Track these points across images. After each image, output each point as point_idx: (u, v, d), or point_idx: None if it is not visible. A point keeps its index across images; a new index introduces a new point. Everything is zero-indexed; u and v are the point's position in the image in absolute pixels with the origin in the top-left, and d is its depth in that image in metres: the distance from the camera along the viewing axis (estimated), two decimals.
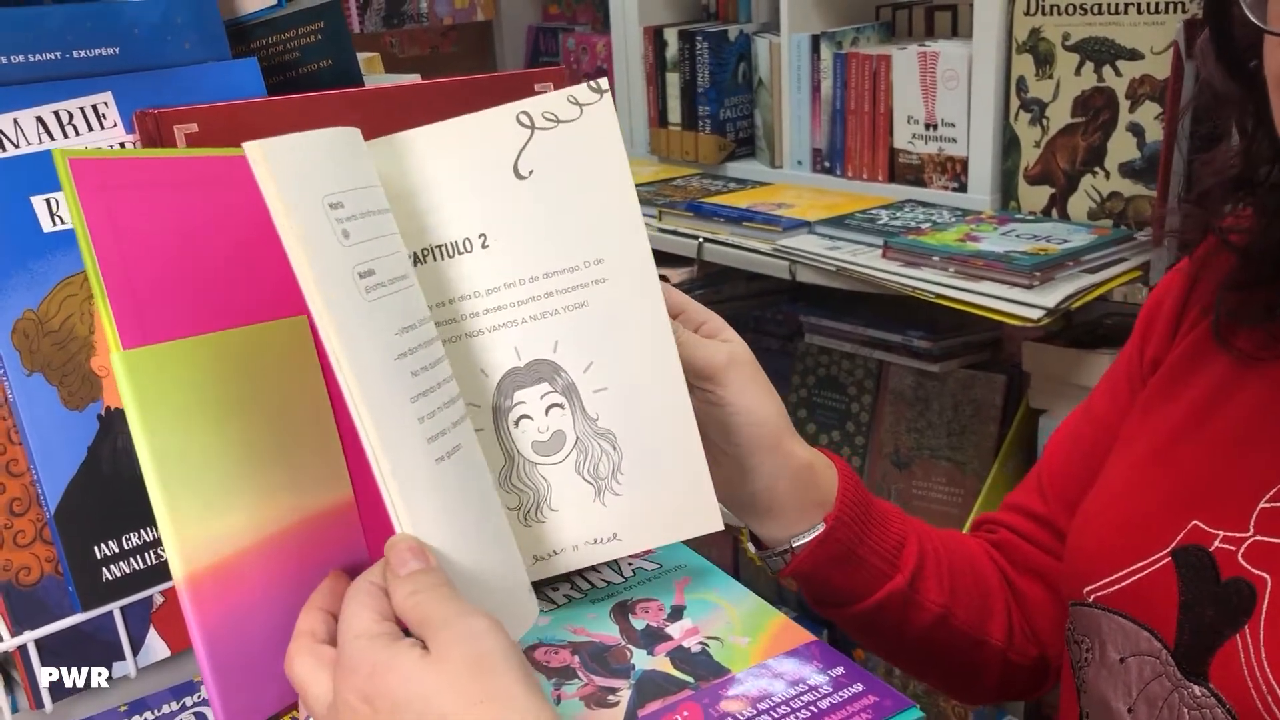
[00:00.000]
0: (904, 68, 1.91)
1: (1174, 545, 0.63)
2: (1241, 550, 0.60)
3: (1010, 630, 0.77)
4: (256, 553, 0.48)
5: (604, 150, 0.60)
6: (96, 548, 0.63)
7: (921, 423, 1.84)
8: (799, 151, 2.11)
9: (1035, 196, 1.79)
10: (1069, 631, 0.70)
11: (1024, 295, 1.47)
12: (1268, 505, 0.59)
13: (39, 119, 0.62)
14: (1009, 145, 1.81)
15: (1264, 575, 0.58)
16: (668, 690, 0.54)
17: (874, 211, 1.83)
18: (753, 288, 2.03)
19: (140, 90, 0.66)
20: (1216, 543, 0.61)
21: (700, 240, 1.87)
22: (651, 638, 0.59)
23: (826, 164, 2.06)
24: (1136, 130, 1.66)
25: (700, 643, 0.58)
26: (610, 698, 0.54)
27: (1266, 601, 0.57)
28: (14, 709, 0.63)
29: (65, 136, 0.63)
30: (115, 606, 0.64)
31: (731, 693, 0.54)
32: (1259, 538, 0.59)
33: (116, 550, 0.63)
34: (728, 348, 0.66)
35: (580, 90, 0.60)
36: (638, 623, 0.61)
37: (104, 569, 0.63)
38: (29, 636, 0.62)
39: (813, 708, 0.52)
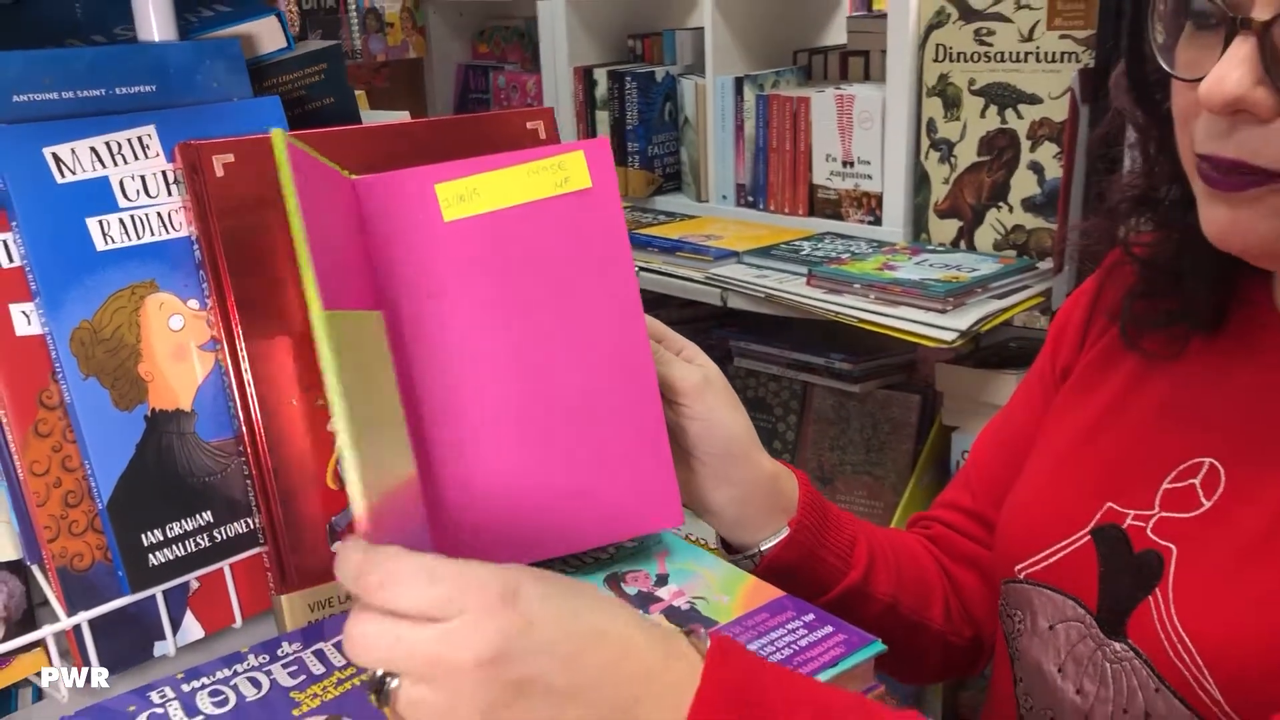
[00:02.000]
0: (822, 109, 2.03)
1: (1092, 525, 0.73)
2: (1150, 525, 0.70)
3: (949, 614, 0.87)
4: (380, 508, 0.50)
5: None
6: (144, 536, 0.69)
7: (843, 440, 1.96)
8: (724, 186, 2.23)
9: (945, 229, 1.92)
10: (1002, 607, 0.80)
11: (938, 319, 1.60)
12: (1170, 486, 0.70)
13: (92, 149, 0.69)
14: (920, 182, 1.94)
15: (1170, 546, 0.68)
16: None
17: (796, 243, 1.95)
18: (684, 314, 2.13)
19: (178, 124, 0.73)
20: (1128, 521, 0.71)
21: (635, 269, 1.96)
22: (645, 600, 0.68)
23: (750, 198, 2.18)
24: (1037, 168, 1.80)
25: (688, 602, 0.67)
26: None
27: (1173, 568, 0.67)
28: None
29: (115, 165, 0.70)
30: (160, 589, 0.70)
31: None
32: (1164, 514, 0.70)
33: (161, 538, 0.70)
34: (702, 370, 0.75)
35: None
36: (629, 589, 0.69)
37: (150, 555, 0.69)
38: (82, 617, 0.68)
39: (794, 645, 0.61)
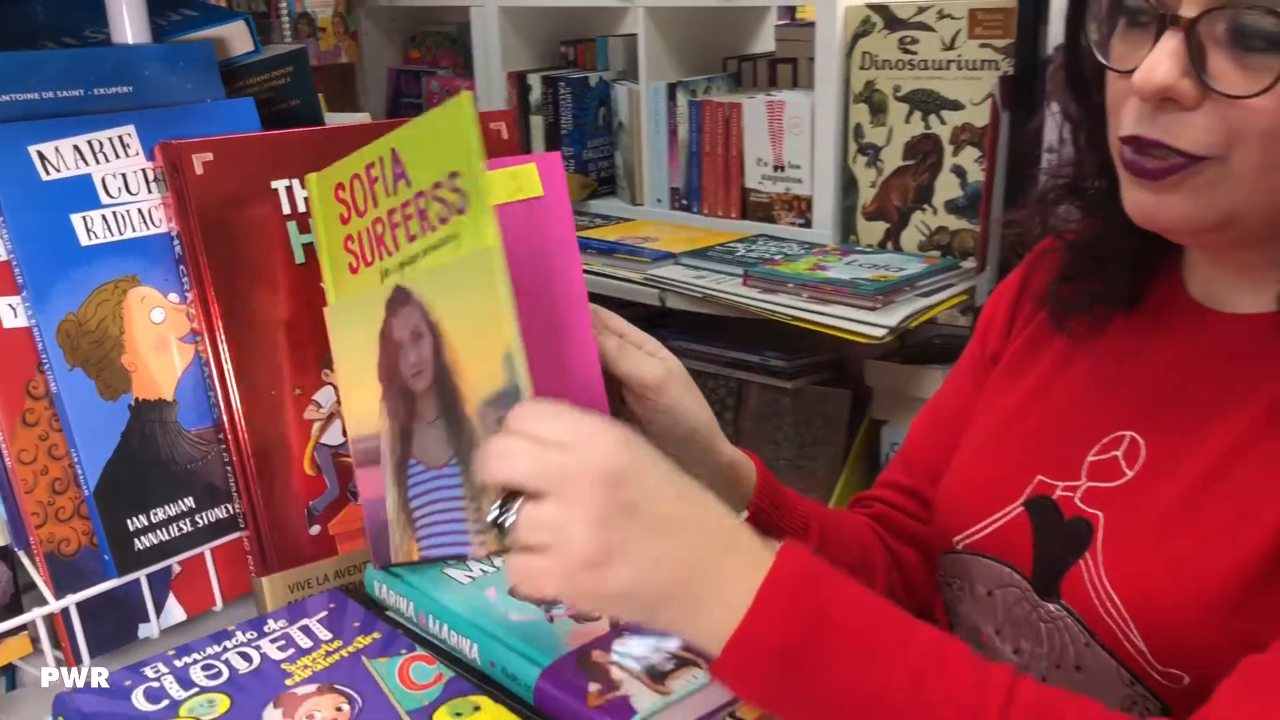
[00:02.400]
0: (753, 115, 2.09)
1: (1024, 497, 0.78)
2: (1078, 495, 0.75)
3: (890, 587, 0.92)
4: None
5: None
6: (129, 521, 0.71)
7: (778, 436, 2.02)
8: (658, 190, 2.28)
9: (872, 231, 2.00)
10: (941, 577, 0.85)
11: (869, 316, 1.66)
12: (1095, 458, 0.76)
13: (75, 147, 0.71)
14: (848, 185, 2.01)
15: (1097, 513, 0.73)
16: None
17: (731, 244, 2.00)
18: (623, 314, 2.17)
19: (156, 124, 0.75)
20: (1058, 491, 0.76)
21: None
22: None
23: (684, 202, 2.23)
24: (959, 172, 1.88)
25: None
26: (594, 614, 0.67)
27: (1101, 533, 0.72)
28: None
29: (97, 163, 0.72)
30: (145, 573, 0.72)
31: None
32: (1090, 484, 0.75)
33: (146, 523, 0.72)
34: (665, 364, 0.78)
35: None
36: None
37: (135, 540, 0.72)
38: (70, 600, 0.70)
39: None
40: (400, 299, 0.68)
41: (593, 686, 0.60)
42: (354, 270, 0.72)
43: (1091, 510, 0.73)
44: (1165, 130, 0.65)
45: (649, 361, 0.78)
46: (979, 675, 0.58)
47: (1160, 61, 0.63)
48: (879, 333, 1.63)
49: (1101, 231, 0.79)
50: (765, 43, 2.46)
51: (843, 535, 0.88)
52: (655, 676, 0.61)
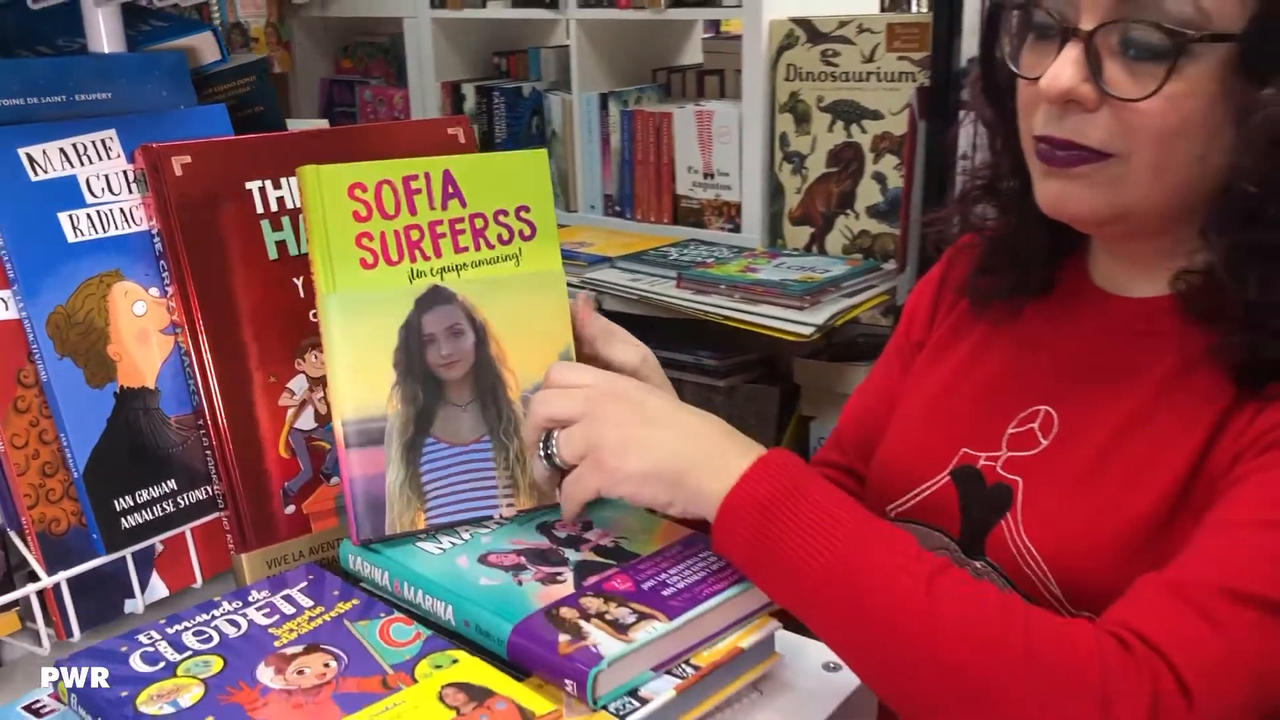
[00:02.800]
0: (683, 124, 2.17)
1: (951, 467, 0.86)
2: (999, 464, 0.83)
3: None
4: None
5: None
6: (116, 502, 0.76)
7: None
8: (592, 197, 2.34)
9: (798, 235, 2.08)
10: None
11: (798, 315, 1.75)
12: (1013, 430, 0.84)
13: (61, 150, 0.76)
14: (775, 192, 2.10)
15: (1017, 478, 0.81)
16: (600, 569, 0.73)
17: (664, 249, 2.08)
18: None
19: (136, 128, 0.80)
20: (981, 461, 0.84)
21: None
22: (574, 542, 0.78)
23: (617, 208, 2.30)
24: (880, 179, 1.98)
25: (613, 540, 0.77)
26: (558, 578, 0.72)
27: (1020, 496, 0.81)
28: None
29: (82, 165, 0.76)
30: (131, 551, 0.77)
31: (646, 566, 0.73)
32: (1010, 454, 0.83)
33: (132, 504, 0.76)
34: (639, 350, 0.86)
35: None
36: (559, 533, 0.79)
37: (122, 519, 0.76)
38: (61, 576, 0.74)
39: (707, 569, 0.72)
40: (438, 299, 0.77)
41: (562, 638, 0.66)
42: (368, 266, 0.75)
43: (1011, 476, 0.81)
44: (1073, 130, 0.74)
45: (627, 349, 0.85)
46: (919, 551, 0.67)
47: (1064, 68, 0.72)
48: (807, 331, 1.72)
49: (1015, 227, 0.88)
50: (693, 55, 2.55)
51: None
52: (618, 628, 0.67)
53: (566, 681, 0.64)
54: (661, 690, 0.66)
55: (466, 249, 0.78)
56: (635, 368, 0.84)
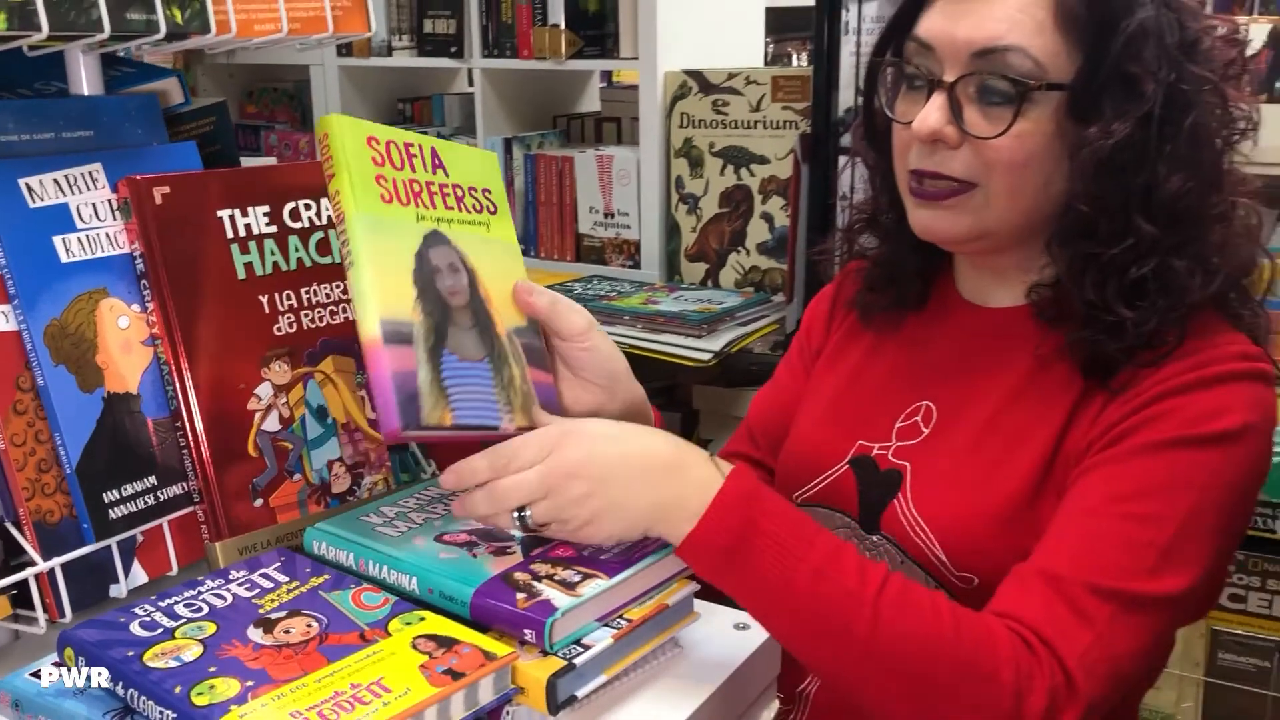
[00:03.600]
0: (585, 167, 2.31)
1: (849, 457, 1.00)
2: (890, 452, 0.98)
3: None
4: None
5: None
6: (105, 494, 0.84)
7: None
8: None
9: (694, 271, 2.23)
10: None
11: (697, 343, 1.88)
12: (901, 424, 0.98)
13: (55, 180, 0.85)
14: (671, 231, 2.24)
15: (905, 464, 0.96)
16: (543, 542, 0.83)
17: (568, 284, 2.20)
18: None
19: (118, 162, 0.89)
20: (874, 451, 0.99)
21: None
22: (520, 521, 0.88)
23: (522, 247, 2.41)
24: (768, 218, 2.14)
25: None
26: (507, 550, 0.83)
27: (909, 478, 0.95)
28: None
29: (73, 194, 0.85)
30: (117, 539, 0.85)
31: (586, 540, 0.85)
32: (898, 443, 0.98)
33: (118, 496, 0.85)
34: (584, 315, 0.92)
35: None
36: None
37: (110, 510, 0.84)
38: (55, 562, 0.82)
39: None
40: (438, 240, 0.85)
41: (519, 595, 0.77)
42: (387, 200, 0.83)
43: (900, 462, 0.96)
44: (939, 164, 0.89)
45: (576, 314, 0.91)
46: (861, 570, 0.78)
47: (931, 113, 0.88)
48: (705, 357, 1.85)
49: (893, 252, 1.03)
50: (591, 103, 2.70)
51: None
52: (567, 586, 0.78)
53: (526, 631, 0.75)
54: (601, 638, 0.77)
55: (453, 208, 0.88)
56: (584, 330, 0.90)
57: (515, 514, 0.79)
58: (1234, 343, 0.88)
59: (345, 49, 2.61)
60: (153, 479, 0.87)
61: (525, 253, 2.41)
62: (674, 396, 2.23)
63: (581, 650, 0.76)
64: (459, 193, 0.90)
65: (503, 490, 0.78)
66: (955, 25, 0.87)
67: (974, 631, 0.78)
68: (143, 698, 0.69)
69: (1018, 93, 0.85)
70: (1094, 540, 0.82)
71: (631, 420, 0.97)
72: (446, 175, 0.89)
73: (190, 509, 0.90)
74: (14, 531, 0.82)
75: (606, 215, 2.29)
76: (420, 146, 0.88)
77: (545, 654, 0.75)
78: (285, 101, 3.02)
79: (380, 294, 0.79)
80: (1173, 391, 0.85)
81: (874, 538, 0.96)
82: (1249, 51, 2.82)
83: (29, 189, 0.83)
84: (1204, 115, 0.86)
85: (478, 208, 0.91)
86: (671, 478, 0.79)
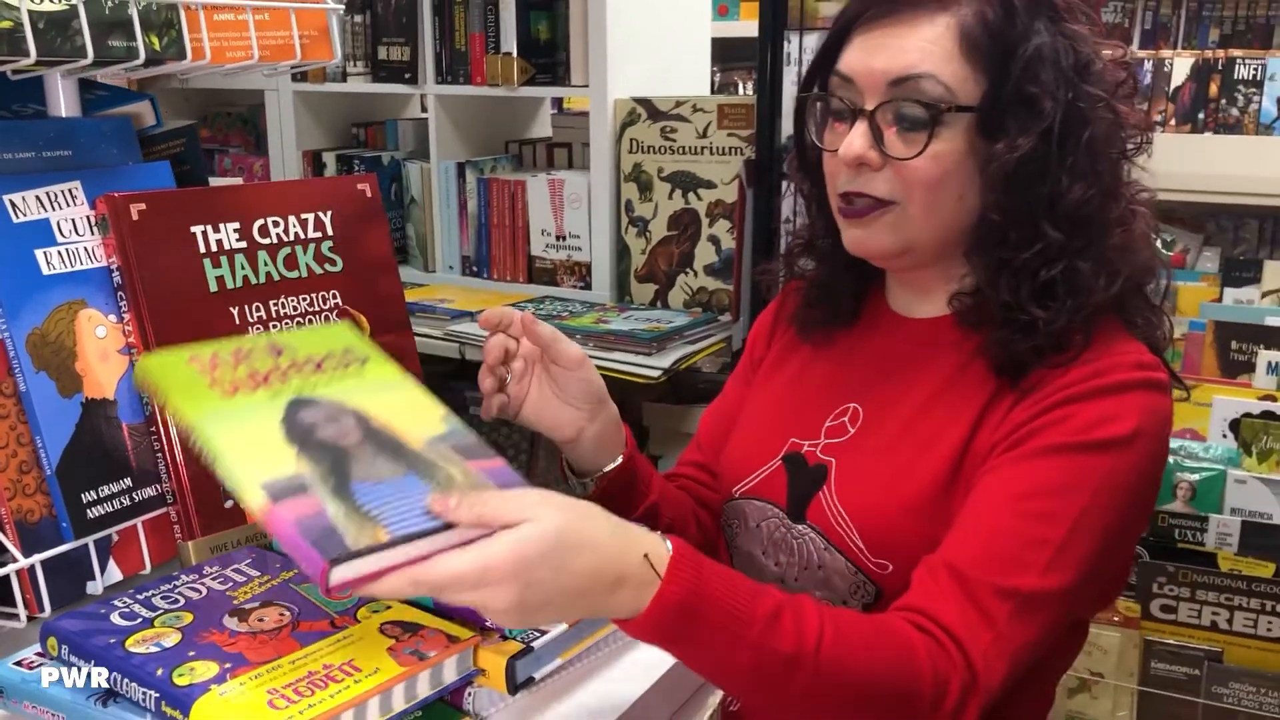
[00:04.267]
0: (537, 191, 2.37)
1: (782, 454, 1.07)
2: (819, 449, 1.05)
3: (701, 532, 1.17)
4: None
5: None
6: (83, 495, 0.88)
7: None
8: (450, 258, 2.51)
9: (644, 291, 2.29)
10: (724, 520, 1.11)
11: (647, 360, 1.94)
12: (830, 423, 1.05)
13: (37, 197, 0.89)
14: (622, 253, 2.31)
15: (831, 459, 1.03)
16: None
17: (520, 304, 2.25)
18: (424, 369, 2.37)
19: (96, 181, 0.94)
20: (804, 448, 1.06)
21: None
22: None
23: (474, 268, 2.47)
24: (715, 241, 2.21)
25: None
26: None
27: (834, 473, 1.02)
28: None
29: (53, 210, 0.90)
30: (94, 538, 0.89)
31: None
32: (826, 441, 1.05)
33: (95, 497, 0.89)
34: (579, 349, 1.02)
35: None
36: None
37: (88, 510, 0.89)
38: (36, 558, 0.86)
39: None
40: (305, 404, 0.80)
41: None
42: (230, 393, 0.78)
43: (827, 458, 1.03)
44: (863, 185, 0.97)
45: (572, 346, 1.02)
46: (799, 629, 0.79)
47: (854, 139, 0.95)
48: (655, 373, 1.92)
49: (829, 273, 1.10)
50: (542, 129, 2.76)
51: (669, 498, 1.13)
52: None
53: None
54: (557, 625, 0.83)
55: (311, 376, 0.82)
56: (580, 361, 1.01)
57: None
58: (1131, 352, 0.95)
59: (300, 74, 2.65)
60: (128, 481, 0.92)
61: (477, 274, 2.46)
62: (624, 413, 2.28)
63: (538, 635, 0.82)
64: (313, 362, 0.84)
65: (447, 597, 0.70)
66: (872, 58, 0.95)
67: (896, 653, 0.84)
68: (126, 680, 0.74)
69: (930, 116, 0.93)
70: (995, 536, 0.89)
71: (613, 434, 1.05)
72: (295, 354, 0.83)
73: (164, 509, 0.94)
74: None
75: (558, 238, 2.35)
76: (253, 346, 0.83)
77: (504, 638, 0.81)
78: (239, 126, 3.06)
79: (252, 465, 0.73)
80: (1072, 398, 0.92)
81: (800, 527, 1.03)
82: (1172, 84, 2.95)
83: (12, 205, 0.88)
84: (1099, 130, 0.93)
85: (342, 365, 0.84)
86: (612, 582, 0.74)
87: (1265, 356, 2.46)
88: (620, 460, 1.06)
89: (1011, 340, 0.94)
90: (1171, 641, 2.09)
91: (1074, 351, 0.94)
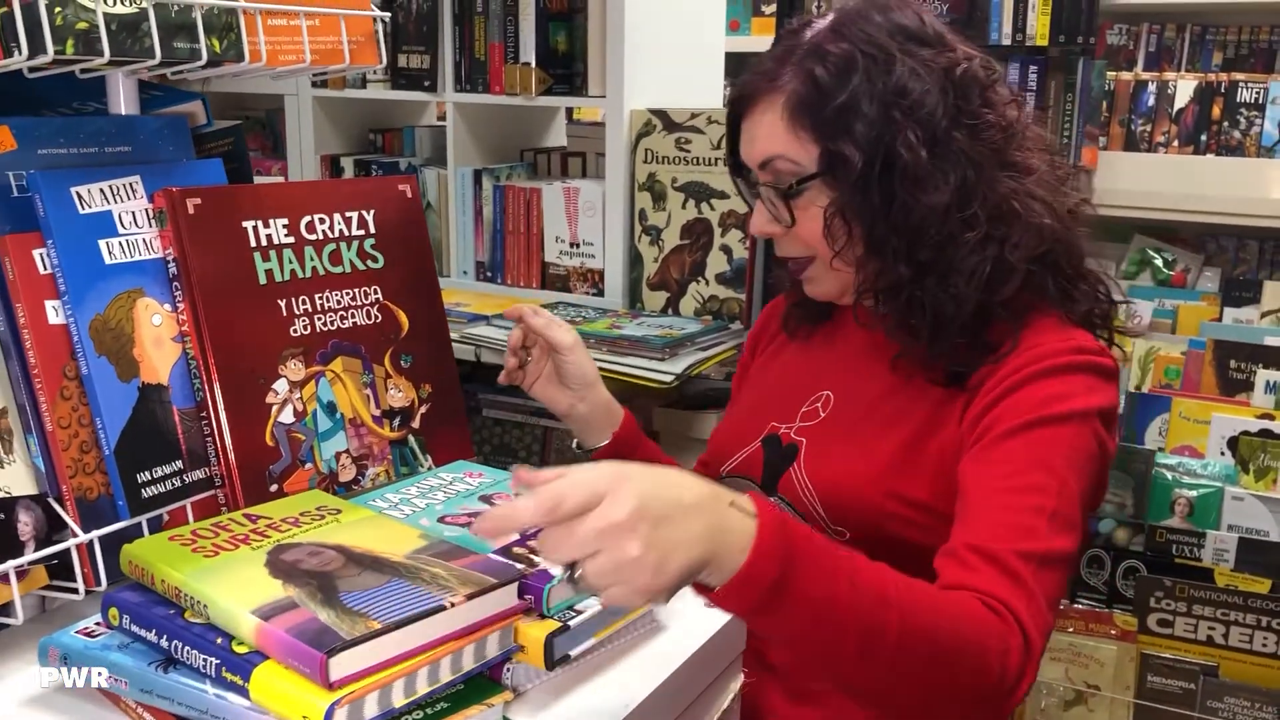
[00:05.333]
0: (552, 199, 2.41)
1: (762, 436, 1.19)
2: (793, 430, 1.17)
3: None
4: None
5: None
6: (138, 475, 0.92)
7: None
8: (465, 263, 2.55)
9: (656, 299, 2.34)
10: None
11: (660, 365, 1.99)
12: (805, 408, 1.18)
13: (100, 190, 0.93)
14: (634, 260, 2.35)
15: (802, 439, 1.15)
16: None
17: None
18: None
19: (155, 175, 0.98)
20: (781, 430, 1.18)
21: None
22: None
23: (489, 273, 2.51)
24: (726, 250, 2.25)
25: None
26: None
27: (804, 451, 1.13)
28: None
29: (116, 202, 0.94)
30: (147, 516, 0.93)
31: None
32: (800, 424, 1.17)
33: (150, 477, 0.93)
34: (573, 331, 1.21)
35: None
36: (498, 502, 0.99)
37: (143, 490, 0.93)
38: (95, 534, 0.90)
39: None
40: (286, 548, 0.85)
41: (520, 566, 0.86)
42: (213, 554, 0.84)
43: (799, 438, 1.15)
44: (783, 250, 1.14)
45: (566, 330, 1.23)
46: (880, 578, 0.81)
47: (755, 220, 1.12)
48: (668, 379, 1.96)
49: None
50: (557, 138, 2.81)
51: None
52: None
53: (526, 596, 0.84)
54: (592, 605, 0.87)
55: (290, 529, 0.88)
56: (572, 345, 1.20)
57: (565, 570, 0.72)
58: (1071, 339, 1.03)
59: (320, 80, 2.70)
60: (179, 463, 0.96)
61: (491, 279, 2.51)
62: (635, 416, 2.33)
63: (575, 615, 0.86)
64: (289, 520, 0.90)
65: (552, 543, 0.70)
66: (746, 149, 1.10)
67: (960, 609, 0.86)
68: (187, 648, 0.78)
69: (787, 188, 1.06)
70: (998, 514, 0.95)
71: (602, 416, 1.23)
72: (272, 518, 0.90)
73: (211, 492, 0.98)
74: (56, 506, 0.90)
75: (572, 245, 2.40)
76: (229, 519, 0.90)
77: (543, 617, 0.85)
78: (258, 129, 3.10)
79: (242, 600, 0.76)
80: (1018, 384, 1.01)
81: (773, 499, 1.13)
82: (1175, 107, 3.01)
83: (79, 197, 0.92)
84: (923, 160, 1.01)
85: (318, 518, 0.91)
86: (714, 515, 0.74)
87: (1264, 375, 2.51)
88: (609, 440, 1.24)
89: (929, 353, 1.05)
90: (1168, 655, 2.13)
91: (1008, 345, 1.03)
